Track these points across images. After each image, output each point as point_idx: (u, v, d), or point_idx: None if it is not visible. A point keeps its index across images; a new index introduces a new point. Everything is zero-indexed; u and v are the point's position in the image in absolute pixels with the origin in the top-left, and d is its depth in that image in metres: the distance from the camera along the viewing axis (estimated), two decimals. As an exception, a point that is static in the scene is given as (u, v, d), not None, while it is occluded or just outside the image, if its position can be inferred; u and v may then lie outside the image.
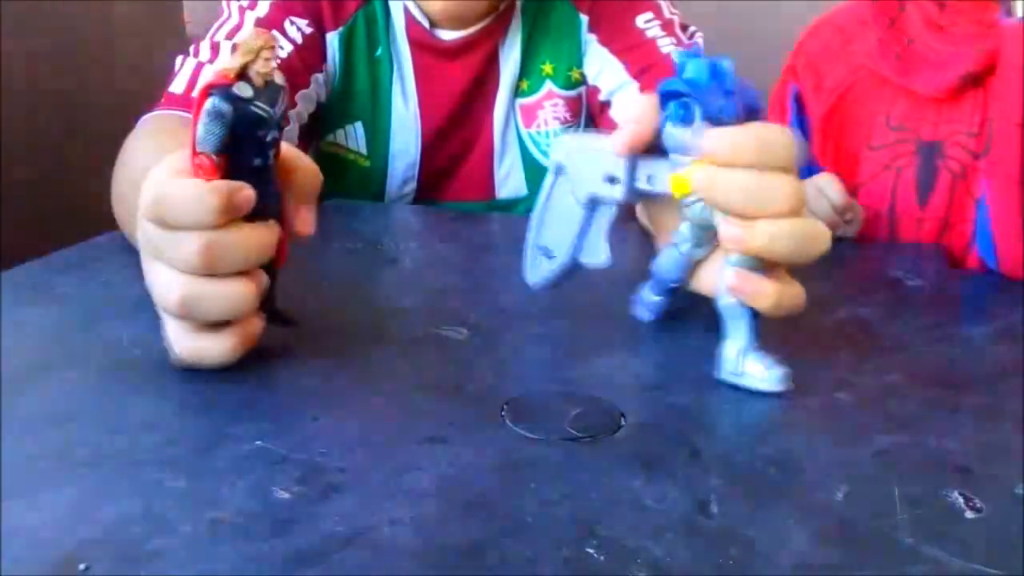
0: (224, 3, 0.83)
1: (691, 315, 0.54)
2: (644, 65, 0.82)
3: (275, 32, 0.80)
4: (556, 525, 0.34)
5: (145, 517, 0.34)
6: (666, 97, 0.45)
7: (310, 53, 0.83)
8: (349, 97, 0.87)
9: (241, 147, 0.44)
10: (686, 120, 0.44)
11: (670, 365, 0.49)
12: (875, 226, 0.81)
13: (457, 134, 0.89)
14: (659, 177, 0.47)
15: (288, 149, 0.47)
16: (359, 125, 0.88)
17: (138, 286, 0.48)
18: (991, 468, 0.39)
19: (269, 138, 0.44)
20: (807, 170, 0.89)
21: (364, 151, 0.89)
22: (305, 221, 0.47)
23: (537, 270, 0.52)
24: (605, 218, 0.49)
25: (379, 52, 0.86)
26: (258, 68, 0.43)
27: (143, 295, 0.50)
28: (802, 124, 0.90)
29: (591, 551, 0.33)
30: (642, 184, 0.47)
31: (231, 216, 0.42)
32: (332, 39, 0.84)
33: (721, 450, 0.40)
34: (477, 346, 0.50)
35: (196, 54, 0.78)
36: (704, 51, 0.83)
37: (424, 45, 0.86)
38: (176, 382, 0.45)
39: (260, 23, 0.80)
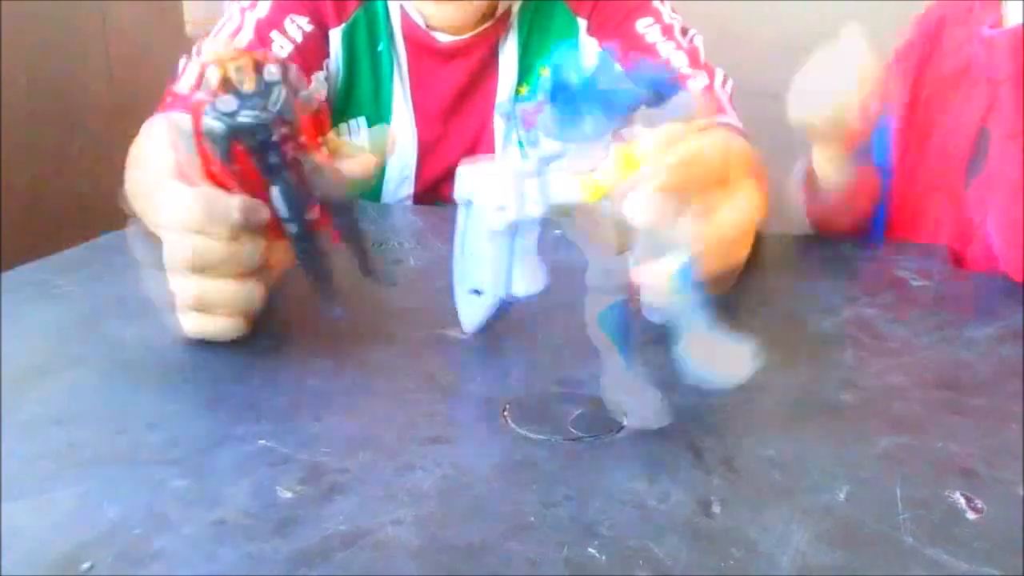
0: (227, 3, 0.84)
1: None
2: None
3: (275, 32, 0.80)
4: (558, 526, 0.34)
5: (148, 517, 0.34)
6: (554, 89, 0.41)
7: (311, 51, 0.83)
8: (353, 93, 0.87)
9: (254, 151, 0.45)
10: (572, 115, 0.41)
11: (672, 365, 0.49)
12: (952, 172, 0.79)
13: (456, 139, 0.89)
14: (558, 186, 0.42)
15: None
16: (362, 120, 0.88)
17: (141, 286, 0.48)
18: (994, 470, 0.39)
19: (275, 136, 0.45)
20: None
21: (367, 146, 0.89)
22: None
23: (470, 314, 0.49)
24: (530, 241, 0.45)
25: (381, 47, 0.86)
26: (237, 76, 0.44)
27: (146, 295, 0.50)
28: None
29: (593, 552, 0.33)
30: (555, 195, 0.43)
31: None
32: (335, 36, 0.84)
33: (723, 451, 0.40)
34: (479, 347, 0.50)
35: (200, 55, 0.78)
36: (700, 54, 0.83)
37: (420, 45, 0.86)
38: (179, 382, 0.45)
39: (260, 23, 0.80)
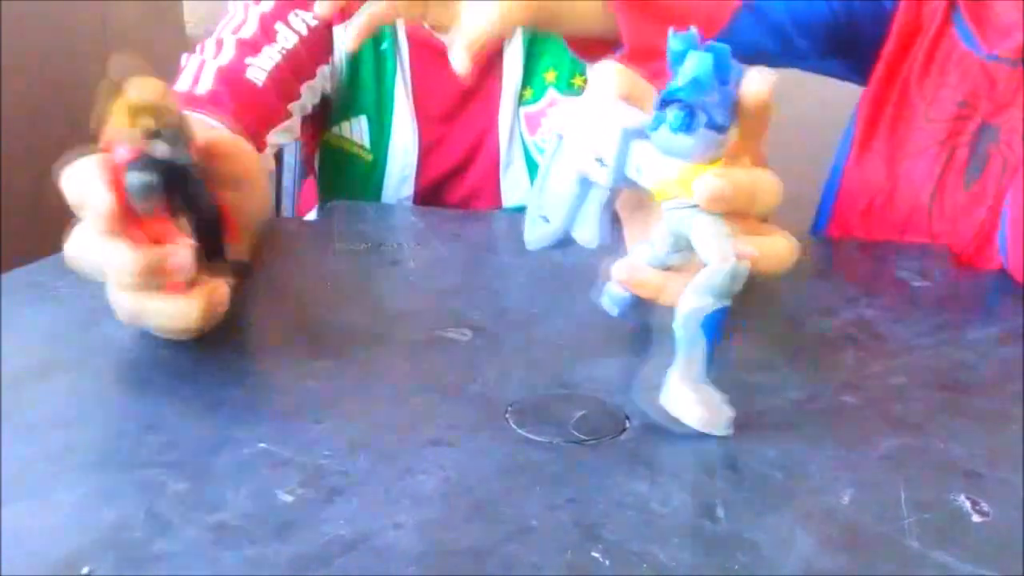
0: (230, 2, 0.84)
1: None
2: None
3: (279, 23, 0.80)
4: (560, 529, 0.34)
5: (147, 520, 0.34)
6: (671, 100, 0.40)
7: (316, 45, 0.83)
8: (355, 90, 0.87)
9: (176, 188, 0.44)
10: (690, 129, 0.39)
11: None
12: (916, 201, 0.78)
13: (458, 141, 0.89)
14: (647, 171, 0.42)
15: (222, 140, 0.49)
16: (363, 119, 0.88)
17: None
18: (998, 471, 0.39)
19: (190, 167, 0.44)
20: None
21: (367, 145, 0.89)
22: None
23: (535, 232, 0.49)
24: (597, 199, 0.45)
25: (384, 45, 0.86)
26: (166, 121, 0.43)
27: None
28: None
29: (596, 555, 0.32)
30: (631, 173, 0.42)
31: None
32: (339, 31, 0.84)
33: (726, 453, 0.40)
34: (480, 348, 0.50)
35: (201, 52, 0.78)
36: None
37: (423, 45, 0.86)
38: (179, 384, 0.45)
39: (265, 16, 0.80)
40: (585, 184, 0.45)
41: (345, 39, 0.70)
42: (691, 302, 0.40)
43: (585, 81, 0.87)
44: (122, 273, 0.43)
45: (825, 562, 0.33)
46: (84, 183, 0.43)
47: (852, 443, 0.41)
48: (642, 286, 0.44)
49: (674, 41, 0.39)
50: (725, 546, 0.33)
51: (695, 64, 0.38)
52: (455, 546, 0.33)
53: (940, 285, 0.65)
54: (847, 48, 0.82)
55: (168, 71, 0.77)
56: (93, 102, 0.46)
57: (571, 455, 0.39)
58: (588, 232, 0.46)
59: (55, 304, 0.54)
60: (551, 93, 0.88)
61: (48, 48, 1.50)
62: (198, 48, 0.79)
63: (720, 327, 0.40)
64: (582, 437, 0.41)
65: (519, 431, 0.41)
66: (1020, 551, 0.34)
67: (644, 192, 0.43)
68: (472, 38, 0.58)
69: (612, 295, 0.47)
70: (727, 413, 0.41)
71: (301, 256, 0.66)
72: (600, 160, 0.43)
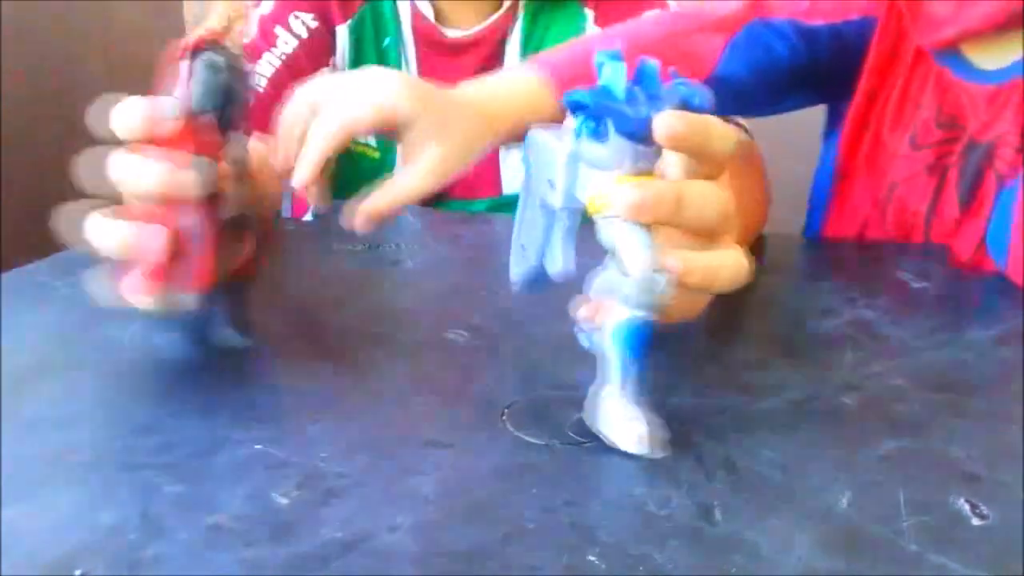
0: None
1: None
2: None
3: (279, 27, 0.81)
4: (558, 531, 0.34)
5: (143, 522, 0.34)
6: (576, 107, 0.39)
7: (316, 47, 0.83)
8: None
9: (232, 106, 0.44)
10: (599, 136, 0.38)
11: (672, 368, 0.49)
12: (911, 226, 0.78)
13: None
14: (584, 187, 0.41)
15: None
16: None
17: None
18: (998, 474, 0.39)
19: (250, 101, 0.45)
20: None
21: (373, 143, 0.89)
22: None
23: (517, 268, 0.48)
24: (561, 225, 0.43)
25: (386, 42, 0.86)
26: (233, 39, 0.44)
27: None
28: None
29: (593, 558, 0.32)
30: (579, 193, 0.41)
31: None
32: (342, 31, 0.85)
33: (724, 455, 0.39)
34: (479, 349, 0.50)
35: None
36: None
37: (429, 40, 0.86)
38: (175, 385, 0.45)
39: (264, 19, 0.81)
40: (549, 211, 0.44)
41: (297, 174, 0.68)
42: (610, 314, 0.39)
43: None
44: (144, 170, 0.42)
45: (823, 564, 0.32)
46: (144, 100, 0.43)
47: (851, 444, 0.41)
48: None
49: (598, 55, 0.38)
50: (723, 548, 0.33)
51: (607, 73, 0.38)
52: (452, 548, 0.33)
53: (940, 286, 0.65)
54: (810, 81, 0.81)
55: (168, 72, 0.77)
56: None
57: (568, 457, 0.39)
58: (556, 261, 0.44)
59: (55, 304, 0.54)
60: None
61: (48, 48, 1.50)
62: None
63: (640, 341, 0.39)
64: (579, 439, 0.40)
65: (516, 432, 0.41)
66: (1019, 554, 0.33)
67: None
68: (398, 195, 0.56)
69: (585, 331, 0.45)
70: (656, 434, 0.39)
71: (300, 256, 0.66)
72: (550, 182, 0.42)
